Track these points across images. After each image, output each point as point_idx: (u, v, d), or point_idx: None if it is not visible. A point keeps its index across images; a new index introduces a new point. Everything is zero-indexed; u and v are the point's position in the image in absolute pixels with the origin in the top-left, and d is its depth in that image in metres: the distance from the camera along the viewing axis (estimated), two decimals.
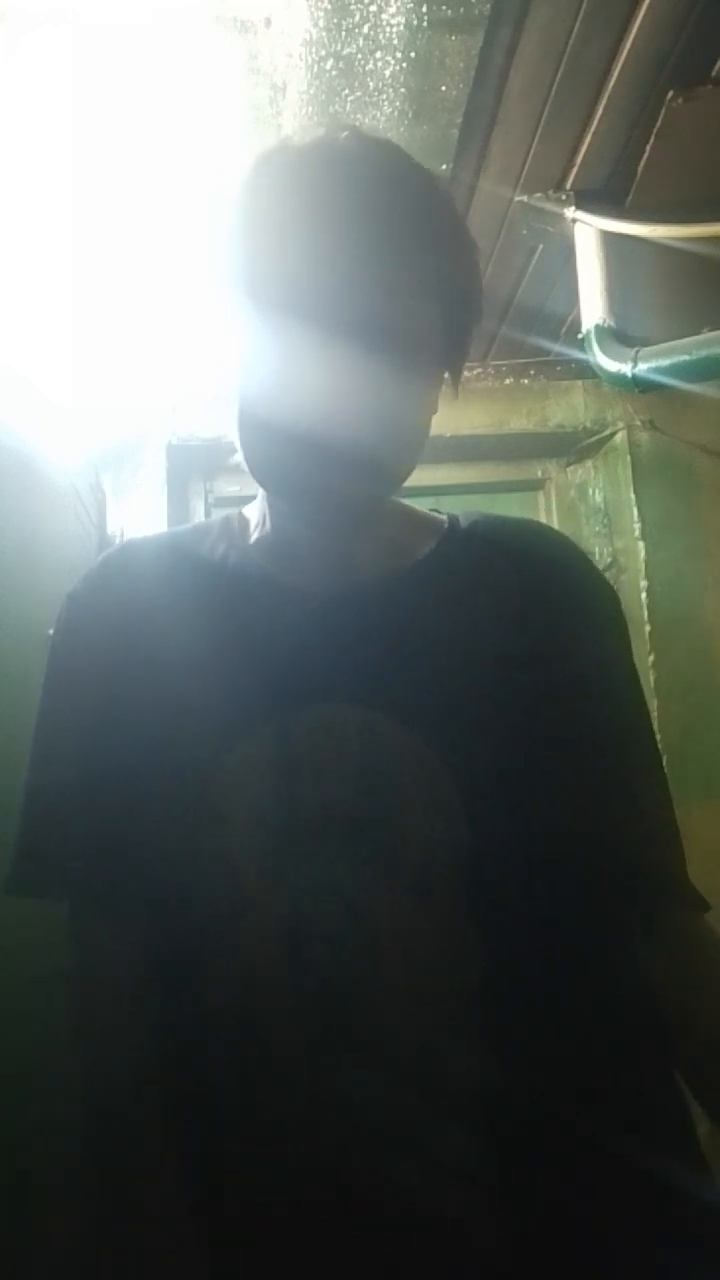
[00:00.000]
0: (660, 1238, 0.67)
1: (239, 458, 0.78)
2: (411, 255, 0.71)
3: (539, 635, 0.79)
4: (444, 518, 0.86)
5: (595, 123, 1.56)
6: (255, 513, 0.85)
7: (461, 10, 1.34)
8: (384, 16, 1.36)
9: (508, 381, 2.30)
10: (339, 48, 1.40)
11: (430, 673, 0.75)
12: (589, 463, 2.34)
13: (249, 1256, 0.67)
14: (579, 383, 2.28)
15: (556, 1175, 0.66)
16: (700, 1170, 0.73)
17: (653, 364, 1.70)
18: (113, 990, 0.75)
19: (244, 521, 0.86)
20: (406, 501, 0.88)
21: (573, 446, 2.33)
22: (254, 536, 0.84)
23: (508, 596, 0.80)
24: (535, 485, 2.39)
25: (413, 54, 1.42)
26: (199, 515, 2.33)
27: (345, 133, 0.72)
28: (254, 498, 0.87)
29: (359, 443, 0.71)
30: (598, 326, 1.80)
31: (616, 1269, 0.66)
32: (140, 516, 2.18)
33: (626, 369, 1.74)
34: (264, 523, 0.83)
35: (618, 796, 0.78)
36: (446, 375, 0.79)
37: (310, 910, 0.69)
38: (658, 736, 2.15)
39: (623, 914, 0.77)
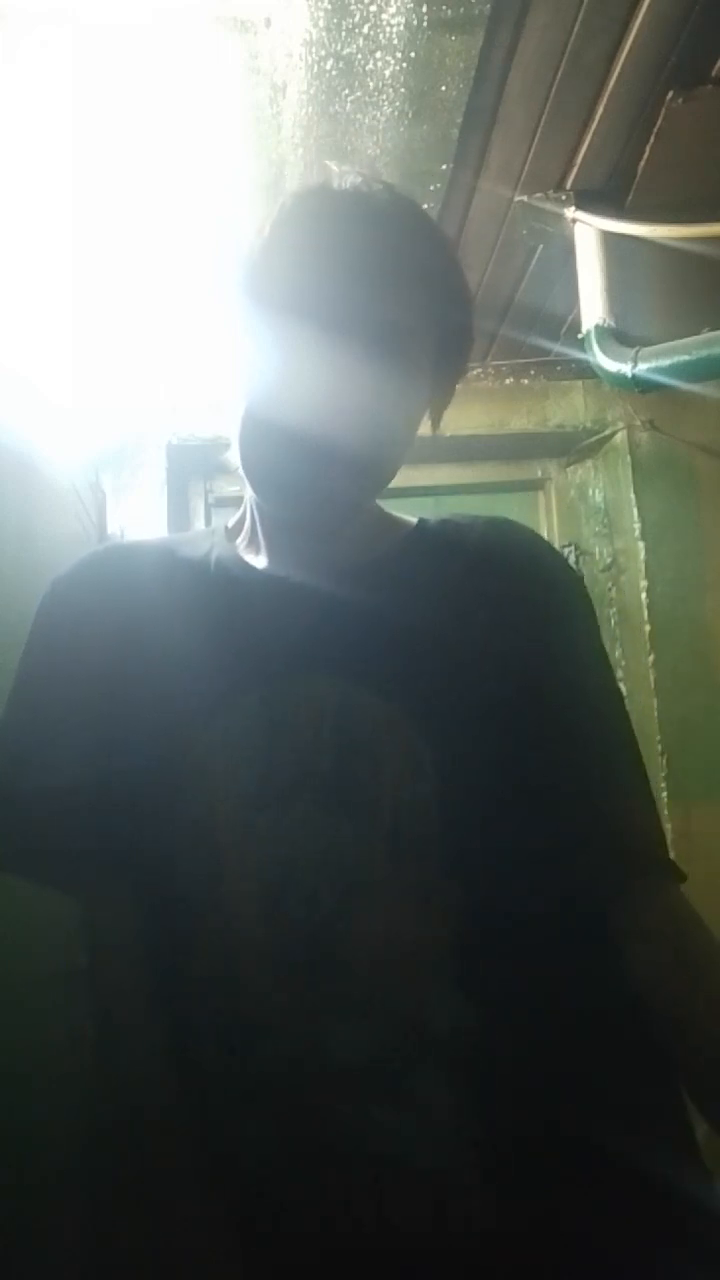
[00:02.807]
0: (638, 1186, 0.69)
1: (235, 458, 0.84)
2: (422, 302, 0.81)
3: (502, 611, 0.84)
4: (414, 519, 0.93)
5: (595, 123, 1.56)
6: (237, 523, 0.92)
7: (461, 10, 1.34)
8: (384, 16, 1.36)
9: (508, 381, 2.30)
10: (339, 48, 1.40)
11: (400, 646, 0.81)
12: (589, 463, 2.34)
13: (226, 1205, 0.70)
14: (579, 383, 2.28)
15: (536, 1122, 0.69)
16: (677, 1117, 0.76)
17: (653, 364, 1.70)
18: (124, 959, 0.78)
19: (227, 530, 0.93)
20: (390, 504, 0.94)
21: (573, 446, 2.33)
22: (239, 539, 0.91)
23: (471, 577, 0.86)
24: (535, 485, 2.39)
25: (413, 54, 1.42)
26: (199, 515, 2.33)
27: (379, 185, 0.81)
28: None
29: (352, 450, 0.79)
30: (598, 326, 1.80)
31: (597, 1212, 0.68)
32: (140, 516, 2.18)
33: (626, 369, 1.74)
34: (249, 527, 0.90)
35: (584, 760, 0.82)
36: (429, 414, 0.88)
37: (288, 867, 0.73)
38: (657, 736, 2.16)
39: (594, 874, 0.79)
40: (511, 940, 0.73)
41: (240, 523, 0.92)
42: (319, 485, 0.80)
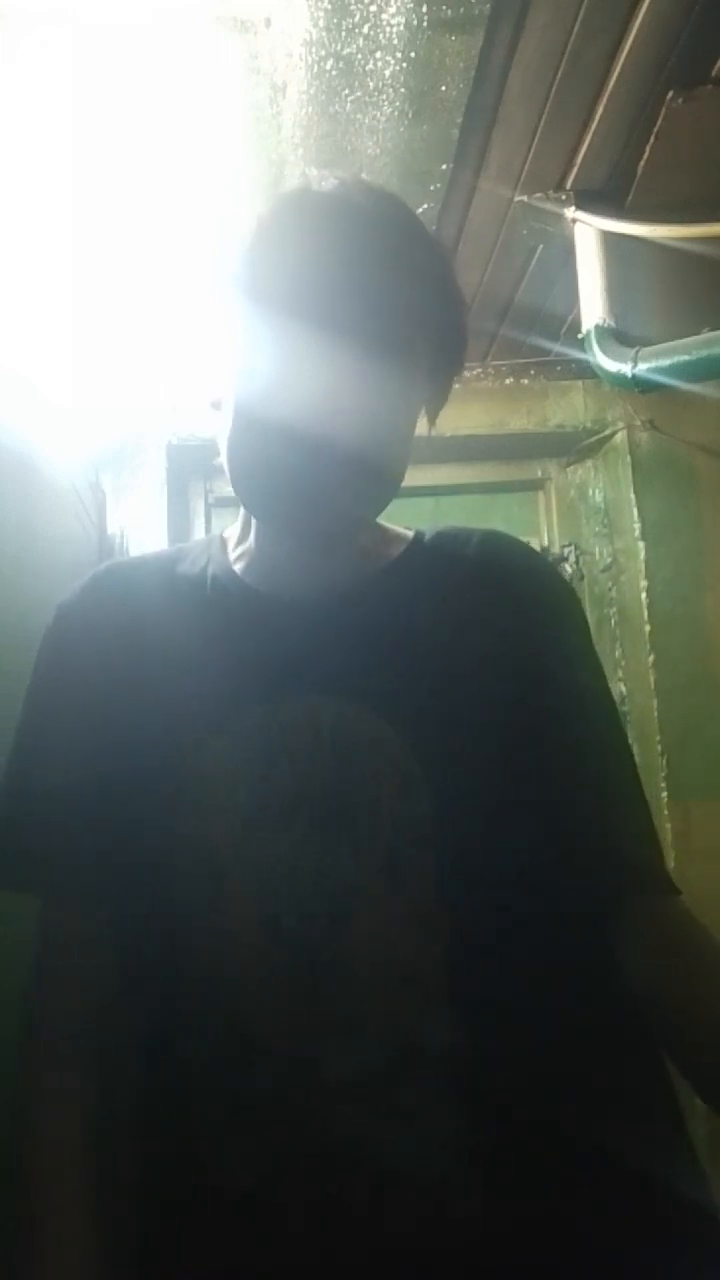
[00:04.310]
0: (633, 1193, 0.70)
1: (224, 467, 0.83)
2: (416, 302, 0.79)
3: (498, 628, 0.84)
4: (411, 532, 0.92)
5: (595, 123, 1.56)
6: (236, 533, 0.91)
7: (461, 10, 1.34)
8: (384, 16, 1.36)
9: (508, 381, 2.30)
10: (339, 48, 1.40)
11: (397, 665, 0.80)
12: (589, 463, 2.34)
13: (226, 1224, 0.70)
14: (579, 383, 2.28)
15: (530, 1139, 0.69)
16: (673, 1128, 0.76)
17: (653, 364, 1.70)
18: (64, 975, 0.82)
19: (224, 542, 0.92)
20: (391, 511, 0.91)
21: (573, 446, 2.33)
22: (234, 553, 0.89)
23: (466, 593, 0.86)
24: (535, 485, 2.39)
25: (413, 54, 1.42)
26: (199, 515, 2.33)
27: (368, 188, 0.80)
28: None
29: (351, 454, 0.77)
30: (598, 326, 1.80)
31: (591, 1225, 0.69)
32: (140, 516, 2.18)
33: (626, 369, 1.74)
34: (245, 540, 0.89)
35: (581, 775, 0.82)
36: (424, 414, 0.86)
37: (284, 885, 0.74)
38: (657, 736, 2.16)
39: (591, 890, 0.80)
40: (509, 955, 0.74)
41: (237, 532, 0.91)
42: (318, 492, 0.78)
